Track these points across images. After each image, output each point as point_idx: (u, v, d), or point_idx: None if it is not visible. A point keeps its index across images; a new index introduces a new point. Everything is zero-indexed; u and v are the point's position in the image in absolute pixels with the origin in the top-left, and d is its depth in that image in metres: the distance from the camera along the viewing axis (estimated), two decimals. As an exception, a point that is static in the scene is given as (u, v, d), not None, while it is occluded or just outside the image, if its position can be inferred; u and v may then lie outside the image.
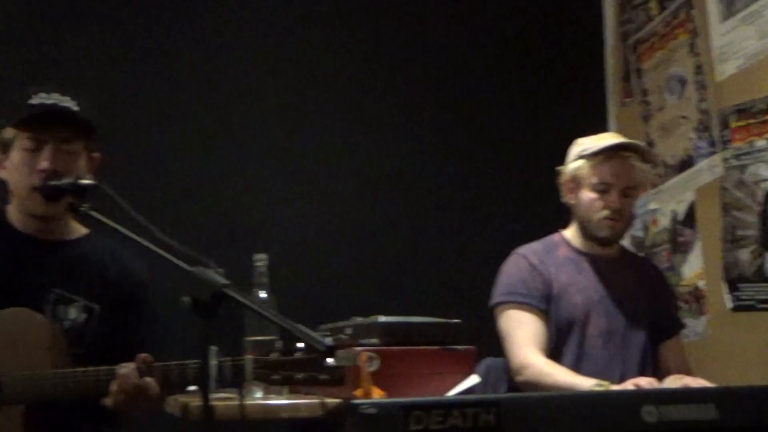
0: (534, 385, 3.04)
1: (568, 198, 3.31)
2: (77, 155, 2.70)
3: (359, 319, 3.15)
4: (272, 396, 2.89)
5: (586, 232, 3.28)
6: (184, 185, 4.11)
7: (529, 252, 3.29)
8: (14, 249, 2.73)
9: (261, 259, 3.00)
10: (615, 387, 2.89)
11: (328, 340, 1.86)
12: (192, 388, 3.14)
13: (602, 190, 3.22)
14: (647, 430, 2.31)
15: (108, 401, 2.51)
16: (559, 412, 2.33)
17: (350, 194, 4.36)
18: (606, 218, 3.22)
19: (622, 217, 3.24)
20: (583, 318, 3.19)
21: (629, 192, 3.25)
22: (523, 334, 3.15)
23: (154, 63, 4.19)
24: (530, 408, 2.32)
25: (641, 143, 3.53)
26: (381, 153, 4.42)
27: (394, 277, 4.26)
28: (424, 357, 2.93)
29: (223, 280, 2.03)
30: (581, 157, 3.27)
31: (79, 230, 2.84)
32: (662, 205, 4.41)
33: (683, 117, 4.30)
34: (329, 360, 2.36)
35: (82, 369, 2.51)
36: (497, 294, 3.26)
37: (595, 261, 3.29)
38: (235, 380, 2.53)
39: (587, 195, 3.24)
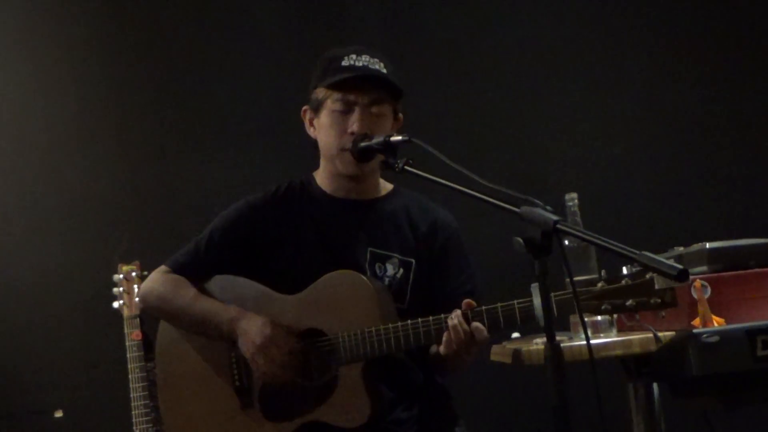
0: None
1: None
2: (385, 117, 2.72)
3: (680, 249, 3.02)
4: (601, 335, 2.82)
5: None
6: (490, 128, 4.13)
7: None
8: (327, 212, 2.79)
9: (572, 198, 2.93)
10: None
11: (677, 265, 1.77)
12: (515, 335, 3.15)
13: None
14: None
15: (441, 350, 2.54)
16: None
17: (650, 127, 4.26)
18: None
19: None
20: None
21: None
22: None
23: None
24: None
25: None
26: (686, 88, 4.29)
27: (699, 205, 4.14)
28: (758, 280, 2.76)
29: (554, 216, 1.97)
30: None
31: (385, 187, 2.87)
32: None
33: None
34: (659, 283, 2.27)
35: (411, 321, 2.55)
36: None
37: None
38: (561, 317, 2.49)
39: None
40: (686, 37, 4.30)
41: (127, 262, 3.73)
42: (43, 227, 4.10)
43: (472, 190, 2.22)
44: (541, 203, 2.06)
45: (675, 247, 3.09)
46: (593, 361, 2.16)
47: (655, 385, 2.98)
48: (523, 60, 4.22)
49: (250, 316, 2.67)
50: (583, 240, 1.93)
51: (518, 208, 2.06)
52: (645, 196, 4.15)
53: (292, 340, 2.64)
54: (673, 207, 4.12)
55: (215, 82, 4.18)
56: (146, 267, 3.70)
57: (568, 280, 2.66)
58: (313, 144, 2.82)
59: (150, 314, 2.91)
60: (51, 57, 4.17)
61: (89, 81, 4.17)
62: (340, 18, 4.20)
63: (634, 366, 2.94)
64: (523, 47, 4.23)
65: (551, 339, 1.99)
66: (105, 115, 4.16)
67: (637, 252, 1.83)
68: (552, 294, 2.36)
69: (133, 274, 3.72)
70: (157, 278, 2.84)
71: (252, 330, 2.64)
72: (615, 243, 1.89)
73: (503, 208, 2.11)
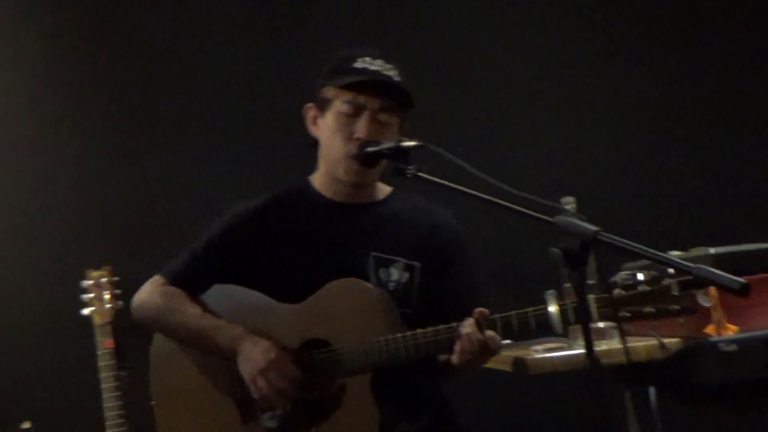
0: None
1: None
2: (392, 127, 2.64)
3: (676, 253, 3.01)
4: (603, 342, 2.80)
5: None
6: (483, 133, 4.10)
7: None
8: (327, 217, 2.72)
9: (569, 202, 2.91)
10: None
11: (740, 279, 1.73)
12: (506, 342, 3.11)
13: None
14: None
15: (453, 359, 2.48)
16: None
17: (650, 129, 4.25)
18: None
19: None
20: None
21: None
22: None
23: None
24: None
25: None
26: (685, 88, 4.30)
27: (699, 209, 4.15)
28: (762, 286, 2.76)
29: (592, 227, 1.93)
30: None
31: (385, 190, 2.80)
32: None
33: None
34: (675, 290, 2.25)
35: (422, 331, 2.48)
36: None
37: None
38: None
39: None
40: (686, 38, 4.30)
41: (97, 268, 3.62)
42: (8, 232, 3.94)
43: (497, 198, 2.17)
44: (576, 213, 2.01)
45: (670, 251, 3.08)
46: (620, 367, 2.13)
47: (651, 391, 2.97)
48: (516, 62, 4.18)
49: (254, 338, 2.57)
50: (627, 251, 1.88)
51: (552, 218, 2.01)
52: (640, 198, 4.14)
53: (295, 368, 2.56)
54: (668, 210, 4.12)
55: (189, 80, 4.05)
56: (117, 272, 3.59)
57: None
58: (313, 143, 2.74)
59: (144, 327, 2.79)
60: (12, 53, 4.01)
61: (56, 80, 4.01)
62: (320, 17, 4.13)
63: (632, 372, 2.93)
64: (517, 48, 4.19)
65: (591, 351, 1.95)
66: (72, 116, 4.01)
67: (693, 265, 1.79)
68: (570, 302, 2.35)
69: (104, 279, 3.61)
70: (153, 290, 2.72)
71: (255, 352, 2.55)
72: (662, 254, 1.85)
73: (537, 218, 2.06)
